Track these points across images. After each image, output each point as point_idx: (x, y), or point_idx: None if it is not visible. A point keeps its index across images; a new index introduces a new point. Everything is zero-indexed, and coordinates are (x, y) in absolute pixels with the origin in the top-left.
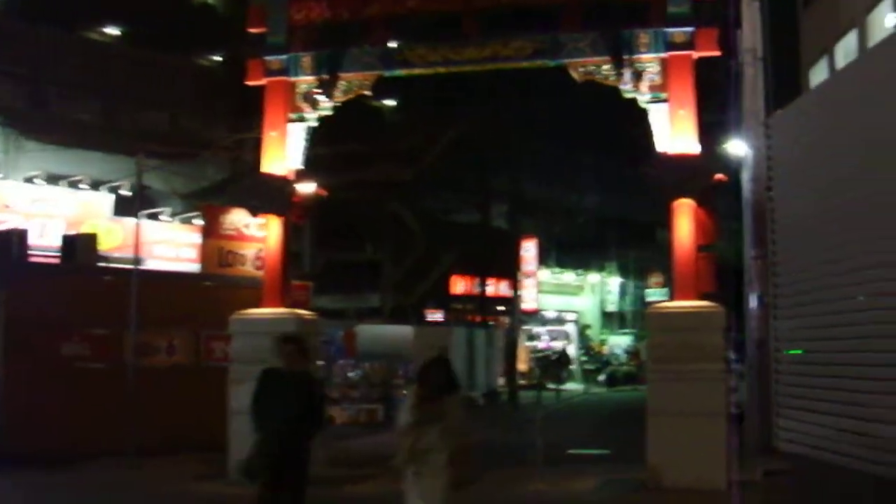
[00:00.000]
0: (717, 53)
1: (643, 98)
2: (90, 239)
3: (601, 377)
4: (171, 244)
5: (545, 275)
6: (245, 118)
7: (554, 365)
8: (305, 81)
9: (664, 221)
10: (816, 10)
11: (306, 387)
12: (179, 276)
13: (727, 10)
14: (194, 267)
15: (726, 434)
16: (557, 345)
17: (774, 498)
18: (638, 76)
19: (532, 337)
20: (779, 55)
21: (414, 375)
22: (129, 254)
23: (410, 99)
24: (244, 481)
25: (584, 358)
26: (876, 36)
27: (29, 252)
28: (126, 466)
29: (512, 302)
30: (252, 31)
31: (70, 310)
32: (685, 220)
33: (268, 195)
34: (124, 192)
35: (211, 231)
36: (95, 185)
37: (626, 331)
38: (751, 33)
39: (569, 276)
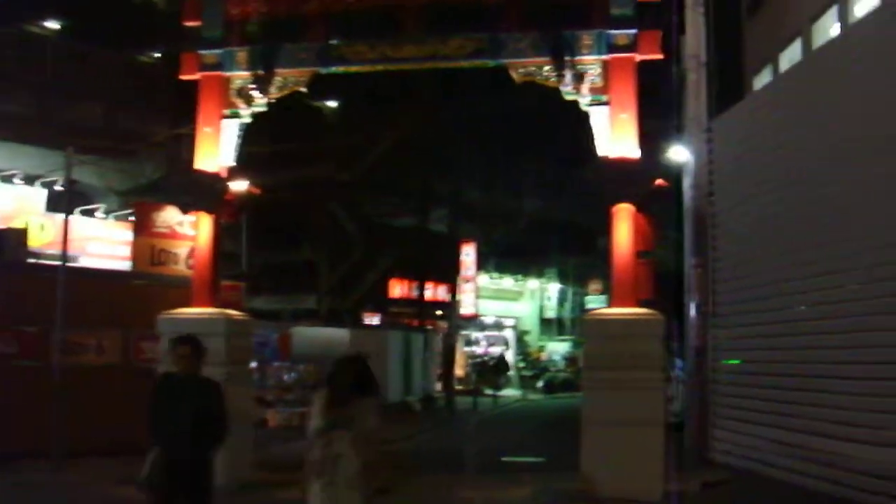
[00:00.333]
0: (659, 56)
1: (584, 100)
2: (19, 234)
3: (539, 384)
4: (105, 242)
5: (484, 280)
6: (183, 115)
7: (492, 371)
8: (240, 77)
9: (604, 228)
10: (761, 18)
11: (203, 393)
12: (109, 274)
13: (670, 15)
14: (129, 265)
15: (663, 444)
16: (495, 350)
17: None
18: (579, 78)
19: (470, 342)
20: (723, 62)
21: (323, 377)
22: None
23: (351, 100)
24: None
25: (521, 364)
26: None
27: None
28: (49, 468)
29: (450, 307)
30: (187, 24)
31: None
32: (624, 226)
33: (199, 192)
34: (58, 188)
35: (143, 228)
36: (30, 180)
37: (565, 337)
38: (694, 39)
39: (508, 282)
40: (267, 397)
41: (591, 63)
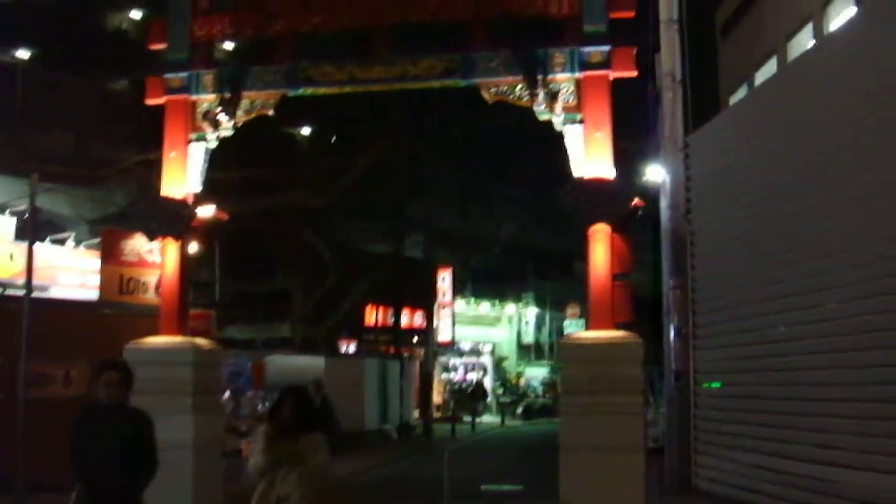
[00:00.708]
0: (634, 74)
1: (558, 120)
2: None
3: (517, 410)
4: (76, 271)
5: (461, 306)
6: (153, 141)
7: (469, 397)
8: (207, 100)
9: (581, 251)
10: (736, 37)
11: (131, 423)
12: (77, 304)
13: (646, 33)
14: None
15: (644, 470)
16: (473, 377)
17: None
18: (552, 97)
19: (447, 369)
20: (699, 81)
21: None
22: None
23: (324, 124)
24: None
25: (500, 390)
26: None
27: None
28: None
29: (427, 333)
30: (153, 48)
31: None
32: (601, 248)
33: (164, 218)
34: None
35: (111, 257)
36: (0, 209)
37: (543, 363)
38: (669, 57)
39: (485, 308)
40: (241, 427)
41: (565, 81)
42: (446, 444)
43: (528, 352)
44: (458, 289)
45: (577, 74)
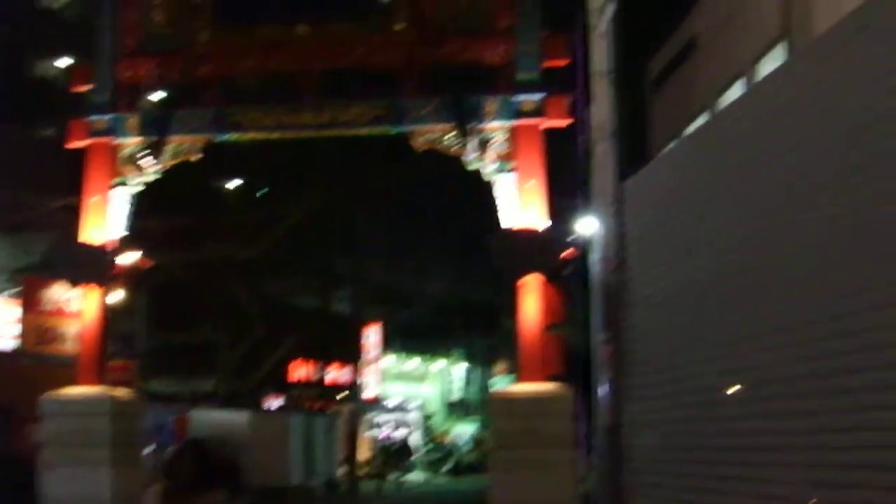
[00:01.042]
0: (567, 122)
1: (489, 169)
2: None
3: (445, 466)
4: None
5: (389, 361)
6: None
7: (396, 454)
8: (131, 144)
9: (511, 307)
10: (669, 91)
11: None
12: None
13: (577, 83)
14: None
15: None
16: (400, 433)
17: None
18: (484, 145)
19: (374, 425)
20: (632, 134)
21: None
22: None
23: (254, 176)
24: None
25: (427, 447)
26: None
27: None
28: None
29: (353, 389)
30: (77, 90)
31: None
32: (532, 299)
33: (84, 265)
34: None
35: (30, 306)
36: None
37: (472, 419)
38: (602, 108)
39: (413, 364)
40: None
41: (497, 130)
42: (372, 502)
43: (457, 408)
44: (387, 344)
45: (510, 123)
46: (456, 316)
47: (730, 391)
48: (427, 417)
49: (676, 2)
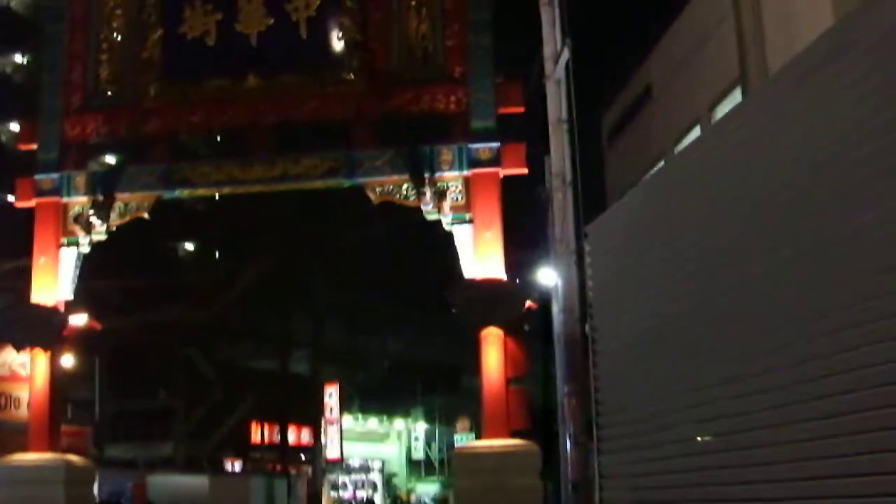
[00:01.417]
0: (524, 171)
1: (447, 219)
2: None
3: None
4: None
5: (349, 422)
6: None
7: None
8: (79, 202)
9: (470, 365)
10: (625, 139)
11: None
12: None
13: (534, 129)
14: None
15: None
16: (362, 494)
17: None
18: (441, 195)
19: (336, 486)
20: (591, 183)
21: None
22: None
23: (208, 237)
24: None
25: None
26: None
27: None
28: None
29: (314, 450)
30: (22, 147)
31: None
32: (493, 351)
33: (31, 327)
34: None
35: None
36: None
37: (434, 478)
38: (559, 158)
39: (373, 423)
40: None
41: (453, 179)
42: None
43: (419, 467)
44: (346, 405)
45: (466, 172)
46: (416, 374)
47: (706, 439)
48: (389, 478)
49: (631, 50)
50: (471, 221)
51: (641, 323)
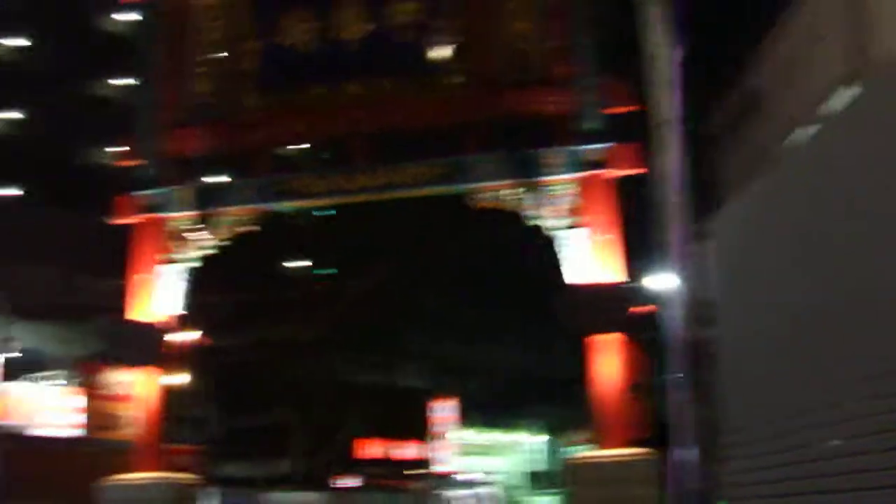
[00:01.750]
0: (639, 171)
1: (556, 224)
2: None
3: None
4: (59, 410)
5: (465, 435)
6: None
7: None
8: (180, 218)
9: (588, 373)
10: (736, 139)
11: None
12: (54, 442)
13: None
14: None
15: None
16: None
17: None
18: (549, 199)
19: (454, 500)
20: (704, 183)
21: None
22: (12, 421)
23: (317, 250)
24: None
25: None
26: None
27: None
28: None
29: (429, 464)
30: (121, 165)
31: None
32: (609, 360)
33: (139, 346)
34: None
35: (91, 393)
36: None
37: (553, 491)
38: (670, 158)
39: (490, 436)
40: None
41: (563, 183)
42: None
43: (538, 480)
44: (464, 417)
45: (576, 175)
46: (532, 386)
47: (836, 443)
48: (507, 490)
49: (740, 49)
50: (582, 225)
51: (768, 323)
